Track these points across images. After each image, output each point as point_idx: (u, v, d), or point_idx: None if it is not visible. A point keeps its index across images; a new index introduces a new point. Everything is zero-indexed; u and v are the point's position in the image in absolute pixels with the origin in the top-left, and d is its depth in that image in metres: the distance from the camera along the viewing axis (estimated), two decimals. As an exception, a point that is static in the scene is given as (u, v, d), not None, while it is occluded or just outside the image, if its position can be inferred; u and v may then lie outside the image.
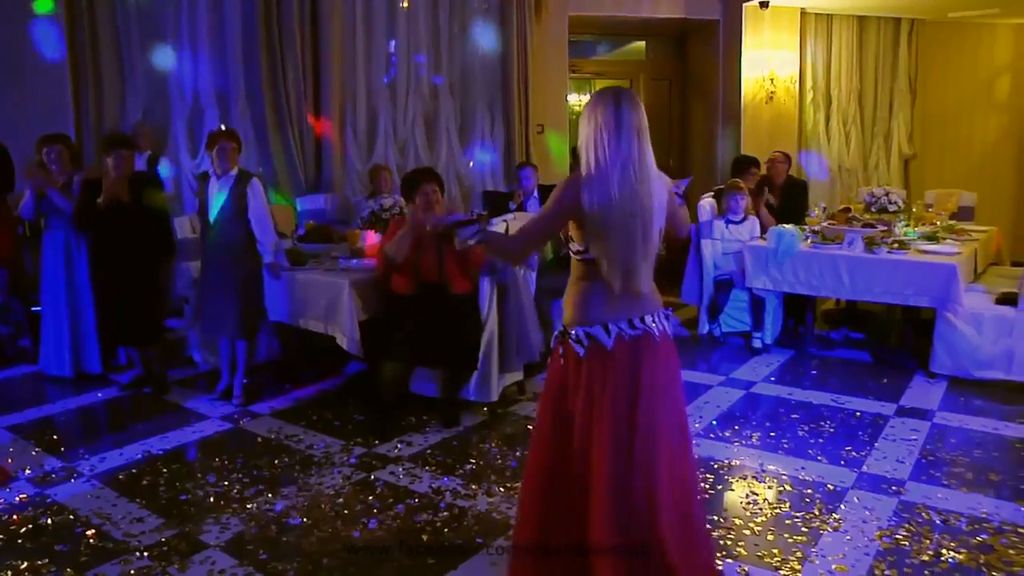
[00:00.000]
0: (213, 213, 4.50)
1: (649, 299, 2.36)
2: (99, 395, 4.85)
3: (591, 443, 2.30)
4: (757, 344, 5.69)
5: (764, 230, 5.82)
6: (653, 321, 2.34)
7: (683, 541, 2.31)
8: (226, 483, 3.59)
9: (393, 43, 7.60)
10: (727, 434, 4.15)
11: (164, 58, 6.82)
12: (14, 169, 5.44)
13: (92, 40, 6.60)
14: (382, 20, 7.49)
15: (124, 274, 4.68)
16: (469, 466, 3.76)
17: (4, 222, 5.47)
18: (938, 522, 3.19)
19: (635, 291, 2.30)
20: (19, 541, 3.10)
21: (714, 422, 4.32)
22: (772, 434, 4.14)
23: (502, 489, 3.50)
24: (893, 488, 3.49)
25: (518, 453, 3.92)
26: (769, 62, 8.36)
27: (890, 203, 5.67)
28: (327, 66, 7.27)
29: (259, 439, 4.14)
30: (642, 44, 9.80)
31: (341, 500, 3.42)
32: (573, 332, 2.34)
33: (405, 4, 7.54)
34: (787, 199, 6.32)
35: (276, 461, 3.84)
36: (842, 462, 3.78)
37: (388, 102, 7.59)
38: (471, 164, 7.95)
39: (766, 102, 8.41)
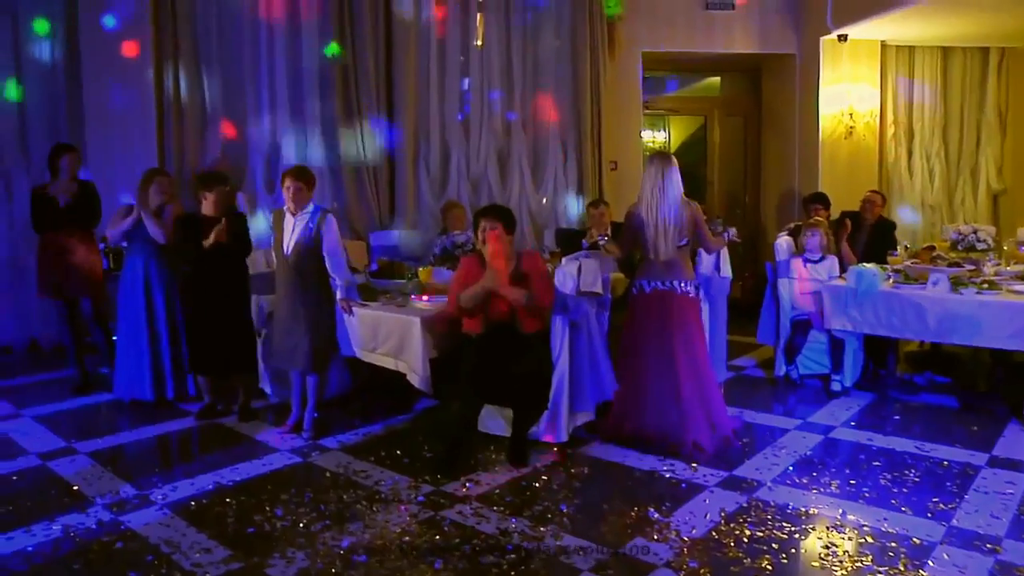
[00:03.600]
0: (288, 248, 4.60)
1: (675, 272, 4.49)
2: (173, 424, 4.99)
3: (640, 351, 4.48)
4: (836, 387, 5.50)
5: (844, 269, 5.65)
6: (677, 284, 4.49)
7: (702, 413, 4.39)
8: (293, 517, 3.62)
9: (467, 81, 7.73)
10: (804, 480, 3.99)
11: (243, 93, 7.08)
12: (101, 205, 5.72)
13: (175, 81, 6.90)
14: (455, 57, 7.63)
15: (223, 307, 4.86)
16: (537, 507, 3.71)
17: (93, 252, 5.75)
18: (1039, 585, 2.98)
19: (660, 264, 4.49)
20: (94, 566, 3.19)
21: (790, 468, 4.17)
22: (852, 482, 3.97)
23: (570, 532, 3.44)
24: (988, 546, 3.28)
25: (588, 495, 3.85)
26: (848, 96, 8.18)
27: (978, 241, 5.45)
28: (402, 102, 7.44)
29: (327, 474, 4.18)
30: (716, 80, 9.75)
31: (408, 538, 3.41)
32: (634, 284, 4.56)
33: (479, 43, 7.69)
34: (876, 239, 6.16)
35: (344, 496, 3.86)
36: (928, 514, 3.59)
37: (462, 138, 7.70)
38: (544, 201, 7.98)
39: (845, 137, 8.22)
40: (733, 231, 4.99)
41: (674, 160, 4.52)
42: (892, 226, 6.59)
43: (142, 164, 6.08)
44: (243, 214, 5.19)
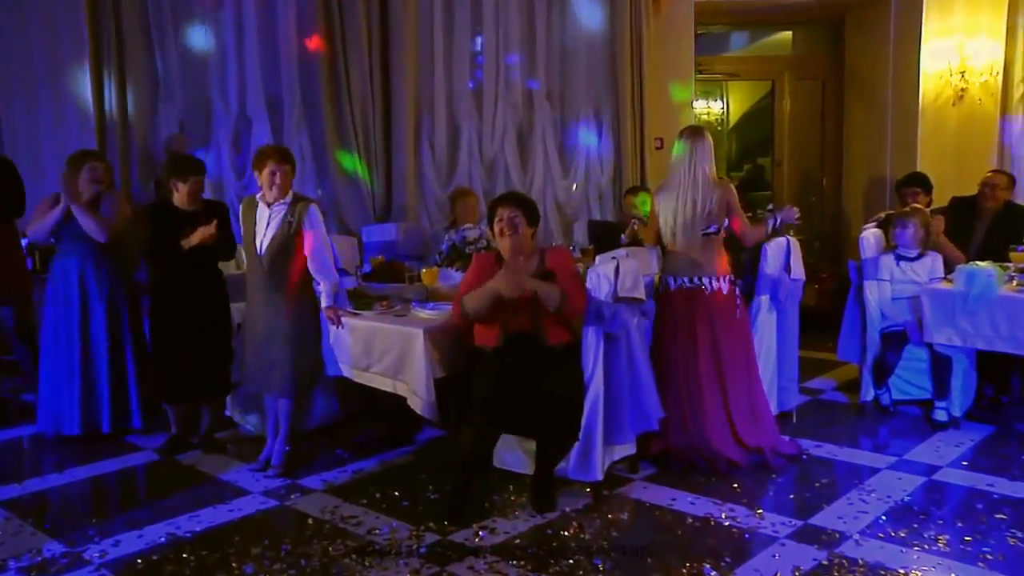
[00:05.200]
0: (262, 246, 4.63)
1: (703, 265, 4.72)
2: (112, 463, 4.99)
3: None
4: (941, 416, 5.44)
5: (951, 269, 5.59)
6: (706, 280, 4.73)
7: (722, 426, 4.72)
8: (267, 574, 3.62)
9: (480, 40, 7.75)
10: (902, 534, 3.94)
11: (204, 57, 7.13)
12: (24, 191, 5.68)
13: (117, 33, 6.90)
14: (466, 12, 7.65)
15: (203, 319, 4.91)
16: (566, 561, 3.69)
17: (13, 252, 5.73)
18: None
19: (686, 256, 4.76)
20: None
21: (883, 518, 4.11)
22: (967, 539, 3.90)
23: (608, 594, 3.43)
24: None
25: (628, 546, 3.83)
26: (960, 51, 8.07)
27: None
28: (399, 68, 7.47)
29: (310, 520, 4.18)
30: (787, 35, 9.72)
31: (407, 600, 3.42)
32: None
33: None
34: (1000, 231, 6.08)
35: (330, 548, 3.85)
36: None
37: (473, 112, 7.72)
38: (574, 188, 7.98)
39: (953, 103, 8.13)
40: (792, 212, 5.00)
41: (706, 134, 4.84)
42: (1023, 214, 6.51)
43: (78, 142, 6.09)
44: (224, 205, 5.23)
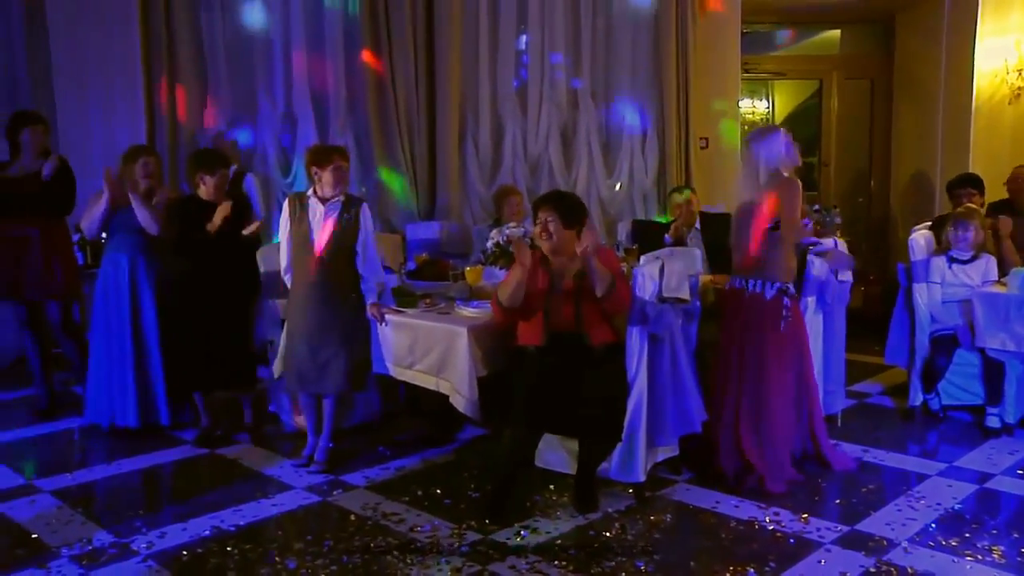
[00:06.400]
0: (321, 243, 4.66)
1: (753, 267, 4.55)
2: (160, 456, 5.06)
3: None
4: (993, 423, 5.34)
5: (1005, 271, 5.49)
6: (751, 282, 4.57)
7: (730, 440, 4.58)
8: (309, 569, 3.64)
9: (524, 39, 7.74)
10: (953, 543, 3.86)
11: (251, 56, 7.19)
12: (75, 187, 5.73)
13: (167, 30, 7.01)
14: (511, 12, 7.65)
15: (220, 309, 5.00)
16: (608, 563, 3.67)
17: (63, 247, 5.77)
18: None
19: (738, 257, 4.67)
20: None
21: (933, 525, 4.04)
22: None
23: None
24: None
25: (671, 549, 3.80)
26: (1017, 48, 7.93)
27: None
28: (443, 66, 7.48)
29: (352, 517, 4.19)
30: (836, 33, 9.62)
31: (449, 599, 3.41)
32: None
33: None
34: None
35: (371, 545, 3.87)
36: None
37: (517, 111, 7.72)
38: (617, 187, 7.94)
39: (1009, 102, 7.99)
40: (833, 215, 4.97)
41: (768, 130, 4.82)
42: None
43: (128, 137, 6.17)
44: (245, 194, 5.31)
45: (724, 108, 8.29)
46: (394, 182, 7.47)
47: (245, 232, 5.09)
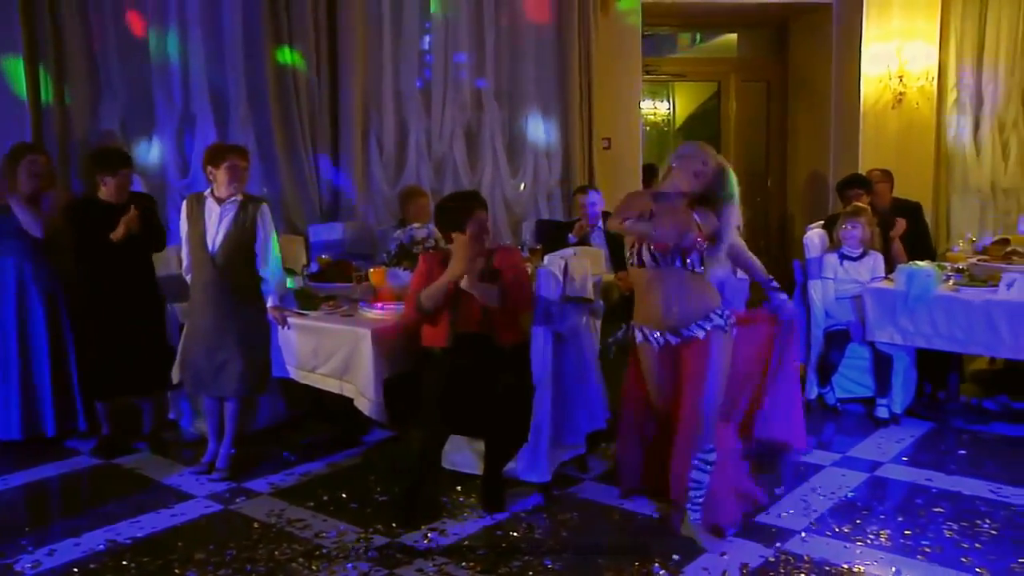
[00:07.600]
0: (215, 244, 4.58)
1: None
2: (49, 468, 4.88)
3: None
4: (882, 414, 5.53)
5: (892, 268, 5.69)
6: None
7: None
8: (213, 580, 3.57)
9: (428, 39, 7.71)
10: (846, 530, 4.00)
11: (146, 50, 6.94)
12: None
13: (52, 21, 6.72)
14: (415, 11, 7.59)
15: (134, 313, 4.90)
16: (516, 563, 3.69)
17: None
18: None
19: None
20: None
21: (828, 514, 4.18)
22: (907, 532, 3.98)
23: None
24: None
25: (579, 547, 3.84)
26: (898, 55, 8.24)
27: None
28: (347, 66, 7.40)
29: (255, 524, 4.13)
30: (733, 37, 9.81)
31: (356, 604, 3.39)
32: None
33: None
34: (892, 227, 6.21)
35: (276, 553, 3.82)
36: (1010, 578, 3.60)
37: (421, 111, 7.67)
38: (522, 187, 7.97)
39: (892, 107, 8.30)
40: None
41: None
42: (915, 209, 6.63)
43: (12, 135, 5.90)
44: (152, 197, 5.17)
45: (627, 109, 8.37)
46: (296, 182, 7.34)
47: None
